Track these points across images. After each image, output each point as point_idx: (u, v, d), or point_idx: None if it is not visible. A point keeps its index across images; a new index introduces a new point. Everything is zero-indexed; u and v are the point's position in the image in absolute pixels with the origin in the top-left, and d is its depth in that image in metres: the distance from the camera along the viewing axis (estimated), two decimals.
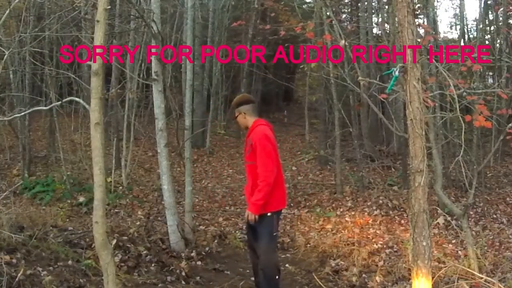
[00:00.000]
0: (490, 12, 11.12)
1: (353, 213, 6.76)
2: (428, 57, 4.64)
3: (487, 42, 11.23)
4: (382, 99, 4.25)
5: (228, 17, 13.67)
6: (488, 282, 3.07)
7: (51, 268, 3.57)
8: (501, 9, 8.44)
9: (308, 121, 13.00)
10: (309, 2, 14.81)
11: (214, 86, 13.63)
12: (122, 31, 7.57)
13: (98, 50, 2.46)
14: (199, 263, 4.73)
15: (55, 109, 8.06)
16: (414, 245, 2.33)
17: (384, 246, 5.26)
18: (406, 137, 2.84)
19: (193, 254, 4.83)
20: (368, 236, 5.72)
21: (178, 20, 12.27)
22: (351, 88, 6.63)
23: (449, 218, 5.47)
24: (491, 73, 9.44)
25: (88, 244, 4.40)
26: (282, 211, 6.56)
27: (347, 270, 4.60)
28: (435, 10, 10.98)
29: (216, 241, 5.52)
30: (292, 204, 7.47)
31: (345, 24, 14.27)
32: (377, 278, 4.27)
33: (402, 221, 6.36)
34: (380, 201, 7.23)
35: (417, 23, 5.82)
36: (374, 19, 14.05)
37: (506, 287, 3.57)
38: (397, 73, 2.35)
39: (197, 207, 7.27)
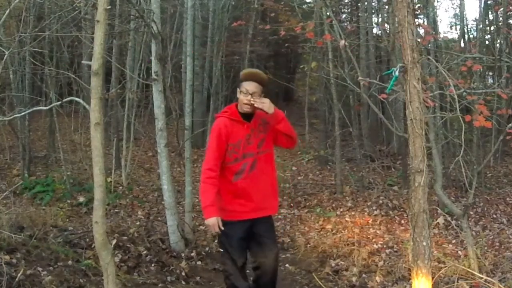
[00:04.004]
0: (490, 12, 11.12)
1: (353, 213, 6.75)
2: (428, 57, 4.64)
3: (487, 42, 11.22)
4: (382, 99, 4.25)
5: (228, 17, 13.65)
6: (488, 282, 3.07)
7: (51, 268, 3.57)
8: (501, 9, 8.43)
9: (308, 121, 13.00)
10: (309, 2, 14.81)
11: (214, 86, 13.63)
12: (122, 31, 7.57)
13: (98, 50, 2.46)
14: (199, 263, 4.73)
15: (55, 109, 8.05)
16: (414, 245, 2.33)
17: (384, 246, 5.26)
18: (406, 137, 2.84)
19: (193, 254, 4.83)
20: (368, 236, 5.72)
21: (178, 20, 12.27)
22: (351, 88, 6.62)
23: (449, 218, 5.47)
24: (491, 73, 9.43)
25: (88, 244, 4.41)
26: (281, 211, 6.32)
27: (347, 270, 4.60)
28: (435, 10, 11.00)
29: (216, 241, 5.52)
30: (292, 204, 7.47)
31: (345, 24, 14.27)
32: (377, 278, 4.27)
33: (402, 221, 6.35)
34: (380, 201, 7.23)
35: (417, 23, 5.83)
36: (374, 19, 14.06)
37: (506, 287, 3.57)
38: (397, 73, 2.35)
39: (197, 207, 7.25)
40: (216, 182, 3.01)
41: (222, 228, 2.97)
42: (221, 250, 3.23)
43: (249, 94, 3.04)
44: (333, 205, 7.27)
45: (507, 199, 7.27)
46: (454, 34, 16.01)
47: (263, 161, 3.14)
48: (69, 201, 6.81)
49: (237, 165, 3.07)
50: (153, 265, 4.34)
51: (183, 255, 4.76)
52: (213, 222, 2.95)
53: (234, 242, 3.15)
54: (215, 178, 3.01)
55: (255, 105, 3.02)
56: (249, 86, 3.04)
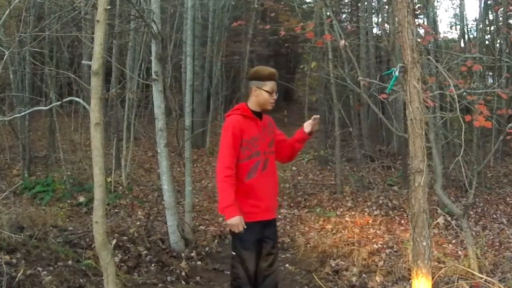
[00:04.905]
0: (490, 12, 11.13)
1: (353, 213, 6.76)
2: (428, 57, 4.64)
3: (487, 42, 11.23)
4: (382, 99, 4.24)
5: (228, 17, 13.67)
6: (488, 282, 3.07)
7: (51, 268, 3.57)
8: (501, 9, 8.43)
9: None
10: (309, 2, 14.81)
11: (214, 86, 13.64)
12: (122, 31, 7.57)
13: (98, 50, 2.46)
14: (199, 263, 4.73)
15: (55, 109, 8.06)
16: (414, 245, 2.33)
17: (384, 246, 5.26)
18: (406, 137, 2.84)
19: (193, 254, 4.83)
20: (368, 236, 5.72)
21: (178, 20, 12.28)
22: (351, 88, 6.62)
23: (449, 218, 5.47)
24: (491, 73, 9.44)
25: (88, 244, 4.40)
26: (281, 211, 6.26)
27: (347, 270, 4.60)
28: (435, 10, 11.01)
29: (216, 241, 5.53)
30: (292, 204, 7.47)
31: (345, 24, 14.28)
32: (377, 278, 4.27)
33: (402, 221, 6.36)
34: (380, 201, 7.23)
35: (417, 23, 5.83)
36: (374, 19, 14.07)
37: (506, 287, 3.57)
38: (397, 73, 2.35)
39: (197, 207, 7.27)
40: (234, 181, 2.94)
41: (245, 227, 2.90)
42: (233, 253, 3.14)
43: (273, 93, 3.10)
44: (333, 205, 7.27)
45: (507, 199, 7.27)
46: (454, 34, 16.06)
47: (272, 162, 3.14)
48: (69, 201, 6.81)
49: (250, 163, 3.03)
50: (153, 265, 4.34)
51: (183, 255, 4.76)
52: (237, 221, 2.87)
53: (250, 246, 3.04)
54: (233, 177, 2.93)
55: (315, 128, 3.32)
56: (274, 85, 3.10)
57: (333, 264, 4.80)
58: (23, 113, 4.36)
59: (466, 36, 12.16)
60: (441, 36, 9.43)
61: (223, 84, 14.52)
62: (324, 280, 4.28)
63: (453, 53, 5.42)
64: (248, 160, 3.02)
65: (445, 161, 7.74)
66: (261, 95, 3.08)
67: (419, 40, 3.95)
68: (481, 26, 10.79)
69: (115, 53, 8.52)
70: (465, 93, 4.03)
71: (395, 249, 5.14)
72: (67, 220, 5.98)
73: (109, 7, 2.49)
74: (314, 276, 4.25)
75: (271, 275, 3.21)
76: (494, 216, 6.51)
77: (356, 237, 5.48)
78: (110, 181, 7.29)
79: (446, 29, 18.97)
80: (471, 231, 5.02)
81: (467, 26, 12.51)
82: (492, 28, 11.04)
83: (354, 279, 4.37)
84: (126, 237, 4.78)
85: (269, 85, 3.07)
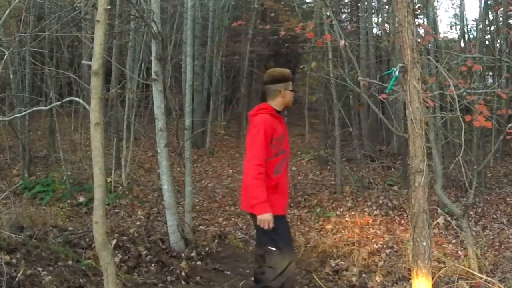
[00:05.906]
0: (490, 12, 11.12)
1: (353, 213, 6.75)
2: (428, 57, 4.64)
3: (487, 42, 11.22)
4: (382, 99, 4.25)
5: (228, 17, 13.67)
6: (488, 282, 3.07)
7: (51, 268, 3.57)
8: (501, 9, 8.43)
9: (308, 121, 12.99)
10: (309, 2, 14.81)
11: (214, 86, 13.64)
12: (122, 31, 7.57)
13: (98, 50, 2.46)
14: (199, 263, 4.73)
15: (55, 109, 8.05)
16: (414, 245, 2.33)
17: (384, 246, 5.26)
18: (406, 137, 2.84)
19: (193, 254, 4.83)
20: (368, 236, 5.72)
21: (178, 20, 12.28)
22: (351, 88, 6.62)
23: (449, 218, 5.47)
24: (491, 73, 9.43)
25: (88, 244, 4.40)
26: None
27: (347, 270, 4.60)
28: (435, 10, 11.01)
29: (216, 241, 5.52)
30: (292, 204, 7.47)
31: (345, 24, 14.28)
32: (377, 278, 4.27)
33: (402, 221, 6.36)
34: (380, 201, 7.23)
35: (417, 23, 5.83)
36: (374, 19, 14.06)
37: (506, 287, 3.57)
38: (397, 73, 2.35)
39: (197, 207, 7.27)
40: (265, 178, 3.06)
41: (273, 225, 3.03)
42: (272, 248, 3.19)
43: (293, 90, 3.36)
44: (333, 205, 7.27)
45: (507, 199, 7.26)
46: (454, 34, 16.05)
47: (289, 161, 3.34)
48: (69, 201, 6.81)
49: (277, 160, 3.16)
50: (153, 265, 4.34)
51: (183, 255, 4.75)
52: (270, 217, 3.00)
53: (287, 237, 3.23)
54: (264, 174, 3.05)
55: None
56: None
57: (333, 264, 4.80)
58: (23, 113, 4.35)
59: (466, 36, 12.16)
60: (441, 36, 9.43)
61: (223, 84, 14.52)
62: (324, 280, 4.28)
63: (453, 53, 5.42)
64: (275, 157, 3.16)
65: (445, 161, 7.73)
66: (289, 94, 3.30)
67: (419, 40, 3.95)
68: (481, 26, 10.77)
69: (115, 53, 8.51)
70: (465, 93, 4.03)
71: (395, 249, 5.15)
72: (67, 220, 5.98)
73: (109, 7, 2.48)
74: (314, 276, 4.25)
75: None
76: (494, 216, 6.51)
77: (356, 237, 5.48)
78: (110, 181, 7.29)
79: (446, 29, 18.99)
80: (471, 231, 5.02)
81: (467, 26, 12.51)
82: (492, 28, 11.03)
83: (354, 279, 4.38)
84: (126, 237, 4.77)
85: (291, 83, 3.34)
